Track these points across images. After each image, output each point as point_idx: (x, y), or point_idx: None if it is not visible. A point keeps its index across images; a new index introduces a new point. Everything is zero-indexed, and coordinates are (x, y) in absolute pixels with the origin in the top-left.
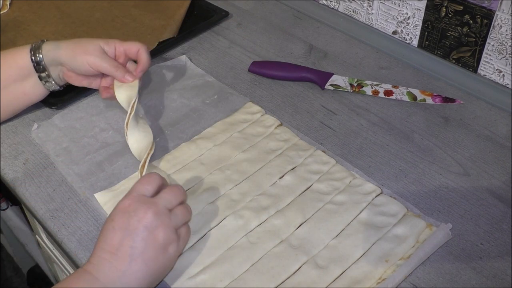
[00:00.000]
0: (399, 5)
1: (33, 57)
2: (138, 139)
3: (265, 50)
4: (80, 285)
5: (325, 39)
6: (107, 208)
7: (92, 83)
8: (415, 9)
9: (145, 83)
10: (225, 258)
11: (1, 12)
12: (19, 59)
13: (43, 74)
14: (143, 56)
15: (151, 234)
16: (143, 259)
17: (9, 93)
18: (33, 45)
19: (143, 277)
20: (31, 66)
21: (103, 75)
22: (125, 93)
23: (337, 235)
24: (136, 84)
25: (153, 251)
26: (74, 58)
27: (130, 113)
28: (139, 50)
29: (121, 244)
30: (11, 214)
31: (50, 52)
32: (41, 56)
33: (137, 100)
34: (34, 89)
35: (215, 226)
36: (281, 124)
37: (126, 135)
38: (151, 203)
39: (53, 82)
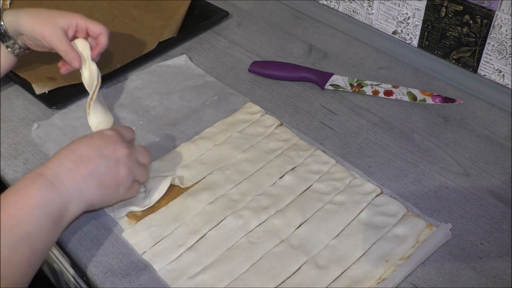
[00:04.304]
0: (399, 5)
1: None
2: (99, 117)
3: (265, 50)
4: (37, 189)
5: (325, 39)
6: (107, 208)
7: (53, 50)
8: (415, 9)
9: (145, 83)
10: (225, 258)
11: None
12: None
13: (9, 43)
14: (103, 41)
15: (116, 167)
16: (98, 182)
17: None
18: None
19: (89, 198)
20: None
21: None
22: (87, 74)
23: (337, 235)
24: (94, 67)
25: (109, 181)
26: (32, 30)
27: (92, 96)
28: (101, 33)
29: (88, 160)
30: None
31: (11, 23)
32: (2, 22)
33: (99, 83)
34: (4, 58)
35: (215, 226)
36: (281, 124)
37: (89, 115)
38: (130, 146)
39: (18, 47)
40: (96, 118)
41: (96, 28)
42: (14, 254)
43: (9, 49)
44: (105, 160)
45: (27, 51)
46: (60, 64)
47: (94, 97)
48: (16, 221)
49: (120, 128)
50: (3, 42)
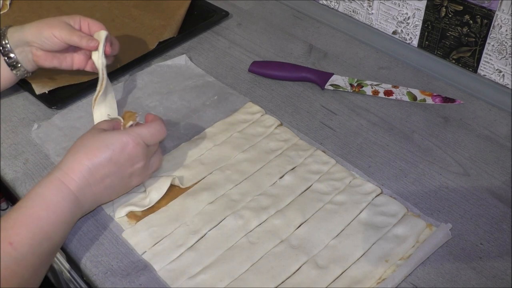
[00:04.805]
0: (399, 5)
1: None
2: (102, 113)
3: (265, 50)
4: (67, 206)
5: (325, 39)
6: (107, 208)
7: (63, 63)
8: (415, 9)
9: (145, 83)
10: (225, 258)
11: (1, 12)
12: None
13: (10, 60)
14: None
15: (130, 178)
16: (111, 192)
17: None
18: None
19: (101, 202)
20: None
21: (73, 51)
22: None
23: (337, 235)
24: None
25: (121, 190)
26: (40, 33)
27: (99, 91)
28: (102, 30)
29: (107, 176)
30: None
31: (14, 34)
32: (6, 41)
33: (103, 84)
34: (4, 74)
35: (215, 226)
36: (281, 124)
37: (93, 108)
38: (147, 157)
39: (22, 68)
40: (100, 114)
41: (96, 26)
42: (41, 263)
43: (13, 70)
44: (121, 175)
45: (29, 74)
46: (78, 65)
47: (100, 94)
48: (47, 236)
49: (146, 131)
50: (3, 55)
